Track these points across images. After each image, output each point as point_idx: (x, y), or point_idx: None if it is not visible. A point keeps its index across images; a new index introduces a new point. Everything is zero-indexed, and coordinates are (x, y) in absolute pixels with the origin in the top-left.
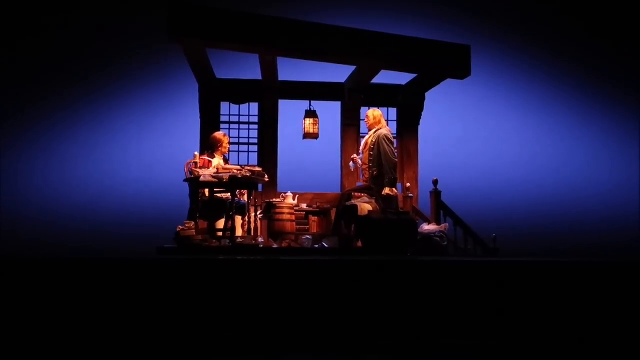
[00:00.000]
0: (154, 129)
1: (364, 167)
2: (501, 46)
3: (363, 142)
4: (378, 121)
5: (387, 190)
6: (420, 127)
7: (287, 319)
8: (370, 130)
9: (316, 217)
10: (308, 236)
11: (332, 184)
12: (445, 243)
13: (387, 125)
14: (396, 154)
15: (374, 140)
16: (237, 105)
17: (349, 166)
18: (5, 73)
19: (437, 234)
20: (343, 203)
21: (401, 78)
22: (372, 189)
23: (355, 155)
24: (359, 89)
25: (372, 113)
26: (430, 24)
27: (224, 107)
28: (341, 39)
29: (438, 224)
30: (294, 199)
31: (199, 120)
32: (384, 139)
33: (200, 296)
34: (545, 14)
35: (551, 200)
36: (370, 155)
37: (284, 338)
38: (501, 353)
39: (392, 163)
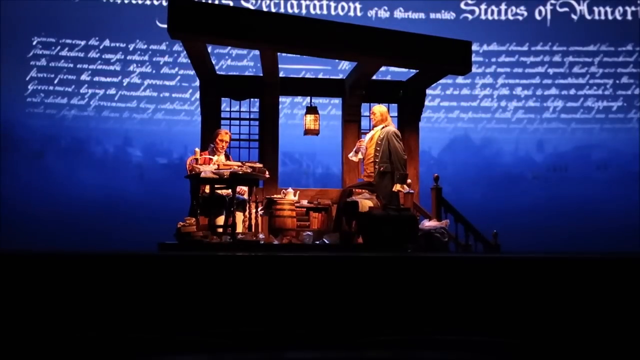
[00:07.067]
0: (155, 125)
1: (367, 162)
2: (502, 40)
3: (368, 136)
4: (385, 118)
5: (398, 187)
6: (420, 123)
7: (288, 315)
8: (375, 126)
9: (317, 214)
10: (309, 232)
11: (333, 180)
12: (446, 239)
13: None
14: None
15: (381, 136)
16: (238, 102)
17: (350, 155)
18: (7, 70)
19: (438, 230)
20: (344, 199)
21: (402, 74)
22: (373, 185)
23: (362, 139)
24: (360, 85)
25: (379, 109)
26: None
27: (225, 103)
28: (342, 35)
29: (439, 220)
30: (294, 195)
31: (200, 116)
32: (393, 136)
33: (201, 292)
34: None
35: (553, 195)
36: (376, 150)
37: (285, 334)
38: (503, 349)
39: (402, 160)
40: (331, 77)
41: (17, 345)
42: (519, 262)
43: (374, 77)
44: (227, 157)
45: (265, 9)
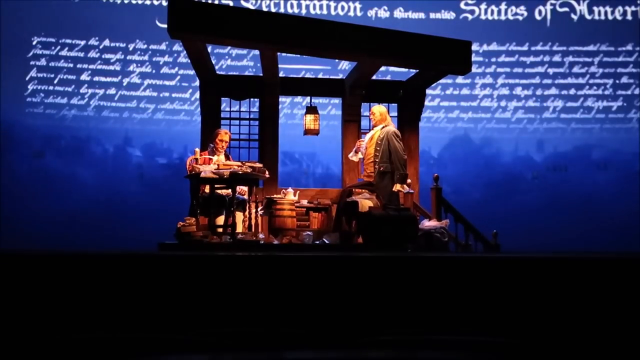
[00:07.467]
0: (155, 125)
1: (367, 162)
2: (502, 40)
3: (367, 136)
4: (384, 117)
5: (398, 187)
6: (420, 123)
7: (288, 315)
8: (375, 126)
9: (317, 213)
10: (309, 232)
11: (333, 180)
12: (446, 239)
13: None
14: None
15: (381, 136)
16: (238, 101)
17: (350, 155)
18: (7, 70)
19: (438, 230)
20: (344, 199)
21: (402, 74)
22: (373, 185)
23: (362, 139)
24: (360, 85)
25: (378, 109)
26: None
27: (225, 103)
28: (342, 35)
29: (439, 220)
30: (294, 195)
31: (200, 116)
32: (393, 136)
33: (201, 292)
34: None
35: (553, 195)
36: (376, 150)
37: (285, 334)
38: (503, 349)
39: (402, 160)
40: (331, 77)
41: (17, 345)
42: (519, 262)
43: (374, 77)
44: (227, 157)
45: (265, 9)
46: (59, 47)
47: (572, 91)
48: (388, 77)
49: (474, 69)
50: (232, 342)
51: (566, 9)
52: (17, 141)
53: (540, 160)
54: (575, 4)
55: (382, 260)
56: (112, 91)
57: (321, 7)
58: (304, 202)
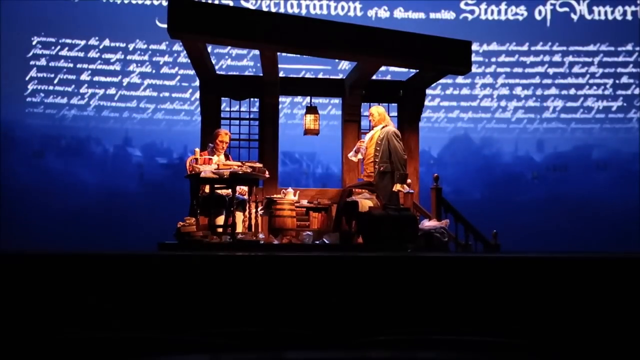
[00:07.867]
0: (155, 124)
1: (367, 162)
2: (502, 40)
3: (368, 136)
4: (383, 118)
5: (398, 187)
6: (420, 123)
7: (288, 315)
8: (375, 126)
9: (317, 214)
10: (309, 232)
11: (333, 180)
12: (446, 239)
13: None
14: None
15: (381, 136)
16: (238, 101)
17: (350, 155)
18: (7, 70)
19: (438, 230)
20: (344, 199)
21: (402, 74)
22: (373, 185)
23: (362, 141)
24: (360, 85)
25: (377, 110)
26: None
27: (225, 103)
28: (341, 35)
29: (439, 220)
30: (294, 195)
31: (200, 116)
32: (393, 136)
33: (201, 292)
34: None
35: (553, 195)
36: (376, 150)
37: (285, 334)
38: (503, 349)
39: (402, 160)
40: (331, 77)
41: (17, 346)
42: (519, 262)
43: (374, 77)
44: (227, 157)
45: (265, 9)
46: (59, 47)
47: (572, 91)
48: (388, 77)
49: (474, 69)
50: (232, 342)
51: (566, 9)
52: (17, 141)
53: (540, 160)
54: (575, 4)
55: (382, 260)
56: (112, 91)
57: (321, 7)
58: (304, 202)
